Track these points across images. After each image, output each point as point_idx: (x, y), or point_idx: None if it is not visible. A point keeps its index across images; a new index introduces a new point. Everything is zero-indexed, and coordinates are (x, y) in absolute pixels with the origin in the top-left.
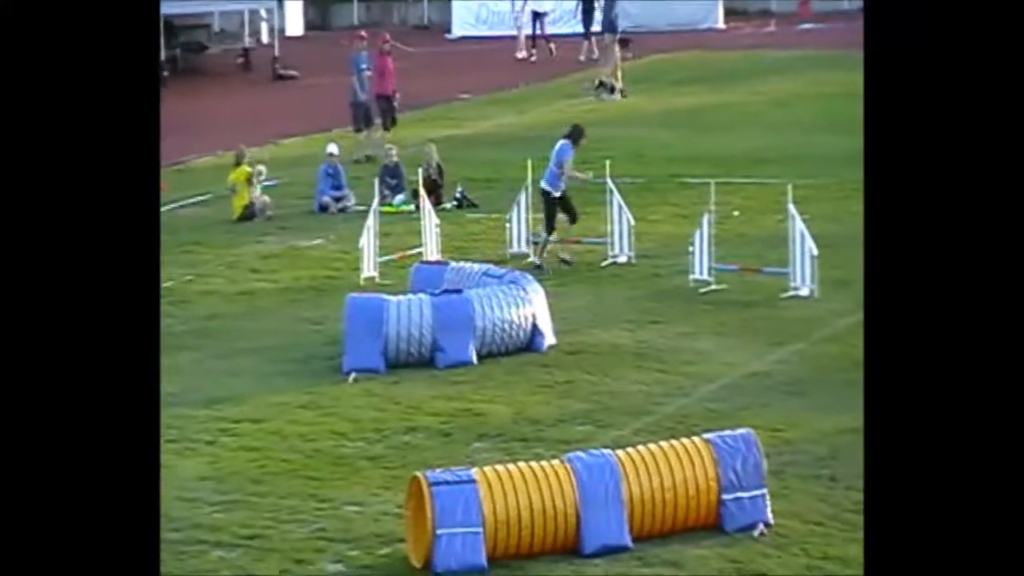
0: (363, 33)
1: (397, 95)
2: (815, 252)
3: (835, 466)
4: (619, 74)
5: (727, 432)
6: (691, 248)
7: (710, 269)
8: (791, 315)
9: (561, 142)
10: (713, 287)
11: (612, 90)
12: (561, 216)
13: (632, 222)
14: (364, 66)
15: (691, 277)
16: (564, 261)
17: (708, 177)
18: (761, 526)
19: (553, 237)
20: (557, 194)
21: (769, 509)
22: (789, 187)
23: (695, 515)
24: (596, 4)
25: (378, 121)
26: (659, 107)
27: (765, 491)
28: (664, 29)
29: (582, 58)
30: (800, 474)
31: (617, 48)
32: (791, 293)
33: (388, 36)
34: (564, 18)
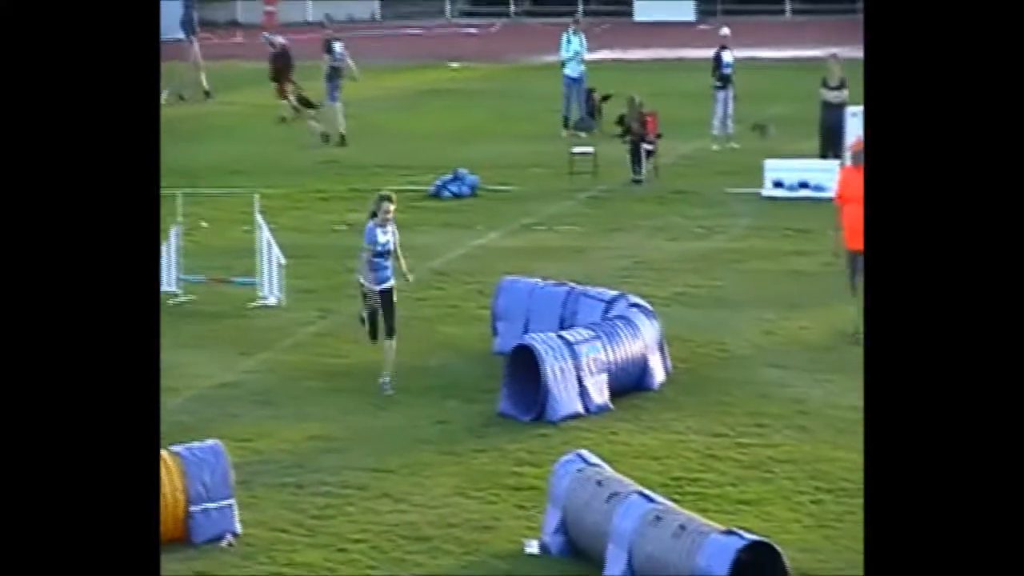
0: None
1: None
2: (283, 261)
3: (300, 473)
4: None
5: (195, 444)
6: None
7: (178, 281)
8: (259, 324)
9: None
10: (181, 299)
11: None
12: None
13: None
14: None
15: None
16: None
17: (175, 188)
18: (229, 536)
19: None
20: (374, 287)
21: (237, 519)
22: (256, 197)
23: (163, 528)
24: None
25: None
26: None
27: (233, 501)
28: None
29: None
30: (267, 483)
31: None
32: (259, 303)
33: None
34: None
